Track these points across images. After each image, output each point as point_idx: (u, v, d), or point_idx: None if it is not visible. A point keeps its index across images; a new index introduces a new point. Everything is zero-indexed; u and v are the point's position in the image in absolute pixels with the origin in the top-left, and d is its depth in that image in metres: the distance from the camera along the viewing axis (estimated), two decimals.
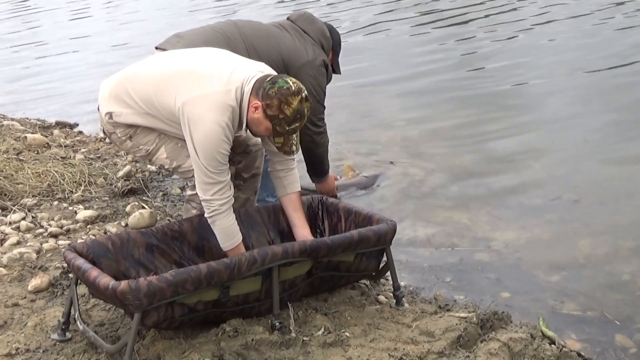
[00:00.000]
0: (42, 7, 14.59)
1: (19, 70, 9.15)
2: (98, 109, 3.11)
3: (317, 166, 3.95)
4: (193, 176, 2.87)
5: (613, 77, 5.93)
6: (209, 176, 2.73)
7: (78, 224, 3.80)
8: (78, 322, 2.59)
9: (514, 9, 8.83)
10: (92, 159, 5.00)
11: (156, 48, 3.41)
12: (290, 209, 3.04)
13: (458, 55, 7.28)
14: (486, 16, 8.58)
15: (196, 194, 2.93)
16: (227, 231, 2.80)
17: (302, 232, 3.00)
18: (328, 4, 10.45)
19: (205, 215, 2.80)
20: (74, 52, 9.29)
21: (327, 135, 3.86)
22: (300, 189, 3.06)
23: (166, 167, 3.12)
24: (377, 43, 8.10)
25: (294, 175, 3.04)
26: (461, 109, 5.69)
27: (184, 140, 2.80)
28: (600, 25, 7.48)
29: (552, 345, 2.60)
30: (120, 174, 4.53)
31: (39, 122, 6.20)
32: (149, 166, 4.55)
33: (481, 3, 9.23)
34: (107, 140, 3.29)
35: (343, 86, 6.24)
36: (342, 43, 3.92)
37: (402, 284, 3.04)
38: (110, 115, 3.02)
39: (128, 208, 4.01)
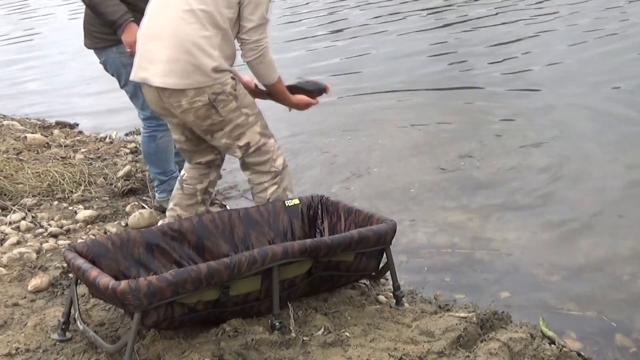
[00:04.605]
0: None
1: (18, 68, 9.17)
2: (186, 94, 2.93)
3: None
4: (264, 161, 3.11)
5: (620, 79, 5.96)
6: (266, 17, 2.98)
7: (78, 224, 3.80)
8: (78, 322, 2.59)
9: None
10: (92, 158, 5.01)
11: None
12: None
13: (451, 51, 7.31)
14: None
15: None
16: (273, 65, 3.08)
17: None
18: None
19: (251, 58, 3.00)
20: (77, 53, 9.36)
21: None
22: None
23: (252, 144, 3.08)
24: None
25: None
26: (462, 110, 5.69)
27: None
28: None
29: (552, 345, 2.60)
30: (120, 173, 4.54)
31: (39, 122, 6.21)
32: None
33: None
34: (206, 115, 3.00)
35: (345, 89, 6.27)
36: None
37: (402, 283, 3.04)
38: (215, 68, 2.90)
39: (128, 208, 4.02)
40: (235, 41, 3.03)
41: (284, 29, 9.33)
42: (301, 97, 3.27)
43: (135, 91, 3.74)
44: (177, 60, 2.89)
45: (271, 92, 3.21)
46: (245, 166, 3.17)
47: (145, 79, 2.98)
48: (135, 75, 3.05)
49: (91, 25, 3.71)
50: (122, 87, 3.86)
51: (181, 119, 3.05)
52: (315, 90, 3.34)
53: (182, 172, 3.35)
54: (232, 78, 3.00)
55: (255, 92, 3.26)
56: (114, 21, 3.51)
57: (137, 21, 3.57)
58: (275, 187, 3.17)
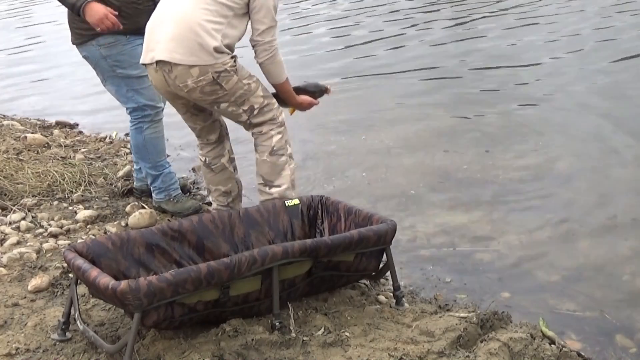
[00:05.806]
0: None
1: (18, 68, 9.17)
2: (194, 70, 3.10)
3: None
4: (269, 118, 3.30)
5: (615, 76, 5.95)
6: (275, 20, 3.20)
7: (78, 224, 3.80)
8: (78, 322, 2.59)
9: None
10: (92, 159, 5.01)
11: None
12: None
13: (455, 46, 7.31)
14: None
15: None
16: (282, 65, 3.30)
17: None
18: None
19: (264, 58, 3.22)
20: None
21: None
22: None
23: (256, 107, 3.26)
24: None
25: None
26: (463, 111, 5.69)
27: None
28: None
29: (552, 345, 2.59)
30: (120, 174, 4.54)
31: (39, 122, 6.21)
32: None
33: None
34: (210, 88, 3.18)
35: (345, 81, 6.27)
36: None
37: (402, 283, 3.04)
38: (216, 48, 3.08)
39: (128, 208, 4.01)
40: (234, 33, 3.18)
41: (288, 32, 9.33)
42: (305, 97, 3.50)
43: (119, 84, 3.78)
44: (183, 38, 3.09)
45: (278, 92, 3.40)
46: (251, 126, 3.35)
47: (153, 58, 3.15)
48: (143, 58, 3.24)
49: (72, 22, 3.76)
50: (104, 84, 3.90)
51: (187, 98, 3.24)
52: (317, 91, 3.58)
53: (201, 157, 3.57)
54: (231, 57, 3.18)
55: None
56: (73, 4, 3.55)
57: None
58: (280, 135, 3.33)
